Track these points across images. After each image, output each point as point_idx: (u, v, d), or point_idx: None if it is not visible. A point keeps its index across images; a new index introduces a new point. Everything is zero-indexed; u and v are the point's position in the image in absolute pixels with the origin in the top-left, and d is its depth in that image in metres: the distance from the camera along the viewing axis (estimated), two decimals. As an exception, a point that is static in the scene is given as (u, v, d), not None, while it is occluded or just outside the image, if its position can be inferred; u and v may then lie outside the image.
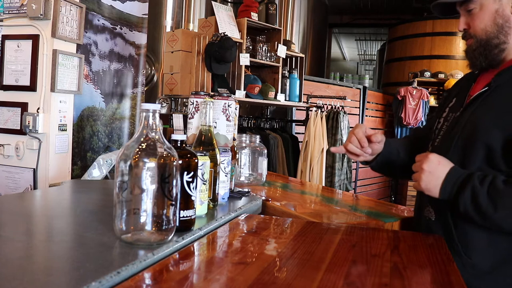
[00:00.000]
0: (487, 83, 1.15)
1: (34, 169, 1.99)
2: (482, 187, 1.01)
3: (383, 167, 1.38)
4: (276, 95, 3.56)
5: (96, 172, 1.89)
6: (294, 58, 3.91)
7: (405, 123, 5.71)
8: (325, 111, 3.89)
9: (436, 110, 1.42)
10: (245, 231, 1.09)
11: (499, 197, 0.99)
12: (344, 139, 3.94)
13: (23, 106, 2.01)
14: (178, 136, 1.00)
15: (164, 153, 0.87)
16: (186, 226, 0.98)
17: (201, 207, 1.11)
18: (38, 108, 1.98)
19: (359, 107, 5.35)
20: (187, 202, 0.97)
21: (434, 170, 1.07)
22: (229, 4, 4.04)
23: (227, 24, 3.22)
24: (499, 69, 1.15)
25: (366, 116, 5.52)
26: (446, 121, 1.24)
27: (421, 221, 1.20)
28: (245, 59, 3.20)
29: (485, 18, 1.13)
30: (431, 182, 1.07)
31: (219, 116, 1.39)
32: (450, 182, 1.05)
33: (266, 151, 1.89)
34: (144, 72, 3.05)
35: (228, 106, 1.40)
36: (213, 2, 3.26)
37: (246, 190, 1.53)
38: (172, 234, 0.90)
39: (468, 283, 0.86)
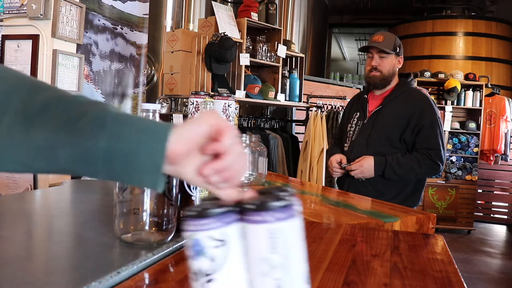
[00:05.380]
0: (379, 102, 2.12)
1: (34, 169, 1.98)
2: (394, 162, 1.99)
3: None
4: (276, 95, 3.55)
5: (96, 172, 1.89)
6: (294, 58, 3.91)
7: (405, 123, 5.72)
8: (325, 111, 3.88)
9: (343, 120, 2.33)
10: (245, 231, 1.08)
11: (403, 164, 1.99)
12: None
13: (23, 106, 2.01)
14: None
15: (164, 153, 0.87)
16: (186, 226, 0.98)
17: (201, 207, 1.11)
18: (38, 108, 1.97)
19: (359, 107, 5.34)
20: (187, 202, 0.97)
21: (367, 165, 2.02)
22: (229, 4, 4.04)
23: (227, 24, 3.22)
24: (385, 94, 2.12)
25: (366, 116, 5.52)
26: (357, 125, 2.16)
27: (346, 181, 2.15)
28: (245, 59, 3.20)
29: (389, 64, 2.08)
30: (369, 171, 2.02)
31: (219, 116, 1.39)
32: (377, 167, 2.00)
33: (266, 151, 1.89)
34: (145, 72, 3.05)
35: (228, 106, 1.40)
36: (213, 2, 3.27)
37: (246, 190, 1.52)
38: (172, 234, 0.90)
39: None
